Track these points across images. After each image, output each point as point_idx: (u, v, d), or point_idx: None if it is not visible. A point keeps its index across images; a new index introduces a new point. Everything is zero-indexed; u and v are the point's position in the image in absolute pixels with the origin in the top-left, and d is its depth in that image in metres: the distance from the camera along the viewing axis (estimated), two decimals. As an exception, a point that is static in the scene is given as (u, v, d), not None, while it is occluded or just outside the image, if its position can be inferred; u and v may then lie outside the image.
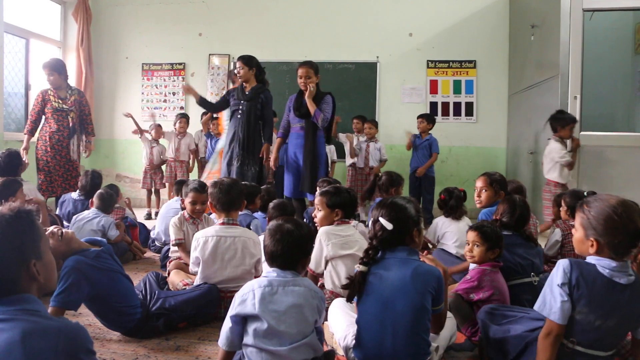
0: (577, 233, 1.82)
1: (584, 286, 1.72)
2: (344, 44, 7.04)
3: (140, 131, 6.32)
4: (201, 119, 6.58)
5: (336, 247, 2.61)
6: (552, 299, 1.75)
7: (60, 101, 4.99)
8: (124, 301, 2.31)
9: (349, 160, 6.29)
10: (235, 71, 4.76)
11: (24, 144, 4.83)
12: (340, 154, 6.56)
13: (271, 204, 3.52)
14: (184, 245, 3.31)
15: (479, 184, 3.42)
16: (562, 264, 1.77)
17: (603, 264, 1.74)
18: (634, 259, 3.52)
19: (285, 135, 4.70)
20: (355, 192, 2.96)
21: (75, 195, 4.46)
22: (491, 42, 6.82)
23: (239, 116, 4.68)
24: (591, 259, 1.77)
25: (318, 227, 2.80)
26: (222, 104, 4.94)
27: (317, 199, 2.81)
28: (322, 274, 2.69)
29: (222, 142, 5.04)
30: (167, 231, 3.80)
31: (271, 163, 4.65)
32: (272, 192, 4.25)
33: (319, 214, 2.79)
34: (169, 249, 3.48)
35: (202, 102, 4.92)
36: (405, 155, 6.38)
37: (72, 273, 2.11)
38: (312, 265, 2.67)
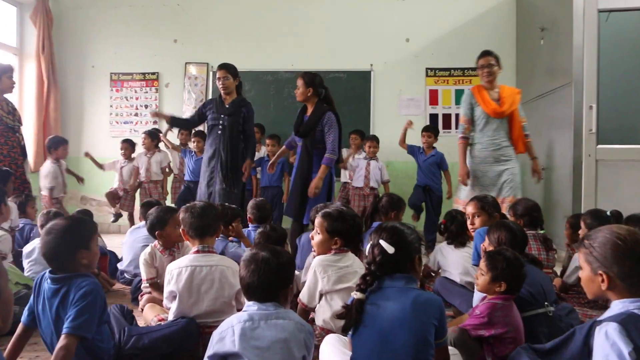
0: (584, 272, 1.82)
1: None
2: (334, 51, 7.11)
3: (100, 167, 6.49)
4: (175, 134, 6.61)
5: (333, 280, 2.57)
6: None
7: (10, 116, 4.99)
8: (99, 339, 2.25)
9: (343, 177, 6.36)
10: (218, 83, 4.78)
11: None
12: (335, 172, 6.55)
13: (258, 231, 3.49)
14: (157, 285, 3.27)
15: (470, 209, 3.45)
16: (612, 331, 1.63)
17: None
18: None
19: (290, 146, 4.80)
20: (360, 220, 2.88)
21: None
22: (496, 47, 6.80)
23: (219, 132, 4.72)
24: (620, 305, 1.72)
25: (314, 250, 2.79)
26: (198, 118, 4.97)
27: (318, 220, 2.75)
28: (315, 308, 2.66)
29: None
30: (136, 261, 3.76)
31: (245, 176, 4.76)
32: (262, 206, 4.18)
33: (316, 237, 2.74)
34: (140, 281, 3.45)
35: (173, 122, 5.02)
36: (404, 173, 6.40)
37: (98, 297, 2.16)
38: (304, 299, 2.64)
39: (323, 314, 2.58)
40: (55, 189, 5.89)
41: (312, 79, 4.40)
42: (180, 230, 2.85)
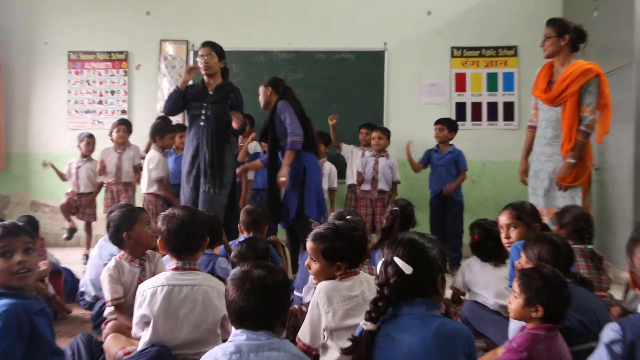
0: None
1: None
2: (340, 27, 7.14)
3: (62, 178, 6.41)
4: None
5: (340, 314, 2.42)
6: None
7: None
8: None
9: (349, 180, 6.37)
10: (200, 62, 4.81)
11: None
12: (341, 174, 6.63)
13: (233, 252, 3.48)
14: (123, 305, 3.24)
15: (504, 219, 3.41)
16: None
17: None
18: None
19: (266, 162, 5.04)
20: (363, 229, 2.79)
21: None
22: (538, 21, 6.78)
23: (202, 124, 4.76)
24: None
25: (314, 282, 2.67)
26: (182, 101, 4.99)
27: (309, 245, 2.62)
28: (319, 349, 2.51)
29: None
30: (98, 281, 3.77)
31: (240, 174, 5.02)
32: (258, 213, 4.21)
33: (313, 266, 2.61)
34: (104, 304, 3.43)
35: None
36: (416, 177, 6.38)
37: (11, 319, 2.04)
38: (304, 338, 2.49)
39: (329, 357, 2.44)
40: None
41: (271, 80, 4.88)
42: (157, 242, 2.83)
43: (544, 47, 4.51)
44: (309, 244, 2.61)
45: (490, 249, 3.55)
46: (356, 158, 6.45)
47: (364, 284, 2.53)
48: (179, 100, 4.94)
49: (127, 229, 3.31)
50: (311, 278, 3.03)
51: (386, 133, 6.23)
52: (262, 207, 4.32)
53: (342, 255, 2.54)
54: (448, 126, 6.05)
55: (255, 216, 4.14)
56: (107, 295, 3.26)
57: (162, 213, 2.89)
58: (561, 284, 2.35)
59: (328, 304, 2.43)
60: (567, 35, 4.43)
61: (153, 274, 3.16)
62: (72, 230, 6.35)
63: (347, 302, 2.44)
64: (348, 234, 2.58)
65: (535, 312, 2.33)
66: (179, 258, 2.73)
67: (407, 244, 1.91)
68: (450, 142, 6.06)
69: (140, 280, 3.13)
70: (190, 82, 4.99)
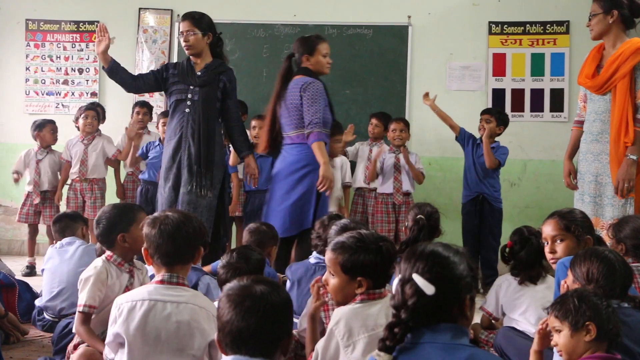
0: None
1: None
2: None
3: (17, 178, 6.44)
4: (133, 114, 6.68)
5: (362, 347, 2.39)
6: None
7: None
8: None
9: (359, 182, 6.42)
10: (181, 40, 4.83)
11: None
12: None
13: (221, 263, 3.47)
14: (99, 317, 3.20)
15: (549, 230, 3.35)
16: None
17: None
18: None
19: None
20: (391, 243, 2.73)
21: None
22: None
23: (186, 110, 4.77)
24: None
25: (332, 303, 2.70)
26: (149, 81, 5.00)
27: (328, 256, 2.63)
28: None
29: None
30: (64, 293, 3.81)
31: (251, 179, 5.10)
32: (264, 233, 4.20)
33: (331, 281, 2.62)
34: (69, 324, 3.44)
35: (112, 69, 4.93)
36: (444, 177, 6.38)
37: None
38: None
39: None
40: None
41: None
42: (143, 250, 2.79)
43: (590, 27, 4.48)
44: (328, 254, 2.62)
45: (522, 261, 3.55)
46: (363, 155, 6.47)
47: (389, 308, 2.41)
48: (124, 74, 5.00)
49: (122, 230, 3.30)
50: (309, 301, 3.02)
51: (405, 124, 6.28)
52: (268, 225, 4.28)
53: (365, 270, 2.53)
54: (497, 118, 6.00)
55: (261, 236, 4.12)
56: (82, 298, 3.17)
57: (148, 216, 2.88)
58: (608, 308, 2.35)
59: (348, 336, 2.41)
60: (614, 11, 4.34)
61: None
62: (31, 267, 6.26)
63: (372, 332, 2.40)
64: (374, 245, 2.56)
65: (588, 334, 2.32)
66: (169, 268, 2.71)
67: (428, 257, 1.86)
68: (496, 139, 6.03)
69: (128, 289, 3.15)
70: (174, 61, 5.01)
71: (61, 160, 6.51)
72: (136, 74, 5.43)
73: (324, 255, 3.55)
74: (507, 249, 3.62)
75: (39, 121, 6.48)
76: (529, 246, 3.55)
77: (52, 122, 6.50)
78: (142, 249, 2.79)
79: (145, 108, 6.63)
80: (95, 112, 6.48)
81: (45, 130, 6.43)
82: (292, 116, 4.75)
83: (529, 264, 3.53)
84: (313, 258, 3.83)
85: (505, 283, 3.64)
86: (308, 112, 4.66)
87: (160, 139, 6.30)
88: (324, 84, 4.84)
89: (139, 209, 3.48)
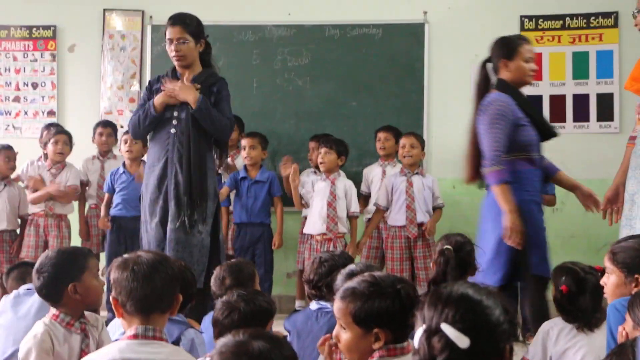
0: None
1: None
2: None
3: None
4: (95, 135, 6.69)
5: None
6: None
7: None
8: None
9: (373, 210, 6.39)
10: (169, 50, 4.83)
11: None
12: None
13: (220, 301, 3.48)
14: None
15: (607, 265, 3.31)
16: None
17: None
18: None
19: None
20: (410, 283, 2.73)
21: None
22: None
23: (172, 130, 4.78)
24: None
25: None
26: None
27: (337, 306, 2.58)
28: None
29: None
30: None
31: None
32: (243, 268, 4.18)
33: (343, 336, 2.55)
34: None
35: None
36: (472, 203, 6.38)
37: None
38: None
39: None
40: None
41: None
42: (111, 298, 2.82)
43: (636, 25, 4.51)
44: (337, 304, 2.54)
45: (583, 309, 3.48)
46: (376, 178, 6.48)
47: None
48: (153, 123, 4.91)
49: (73, 279, 3.23)
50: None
51: (419, 139, 6.27)
52: (249, 264, 4.18)
53: (382, 319, 2.46)
54: None
55: (244, 275, 3.99)
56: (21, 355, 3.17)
57: (116, 259, 2.86)
58: None
59: None
60: None
61: (98, 346, 3.15)
62: None
63: None
64: (391, 289, 2.50)
65: None
66: (144, 318, 2.70)
67: (458, 303, 1.82)
68: None
69: (84, 353, 3.11)
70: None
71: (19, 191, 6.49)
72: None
73: (325, 301, 3.59)
74: (562, 296, 3.53)
75: None
76: (589, 289, 3.48)
77: (8, 148, 6.39)
78: (111, 297, 2.73)
79: (109, 128, 6.63)
80: (68, 137, 6.46)
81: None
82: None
83: (590, 311, 3.47)
84: (314, 304, 3.79)
85: (555, 329, 3.58)
86: (483, 144, 4.52)
87: (124, 164, 6.33)
88: (521, 95, 4.64)
89: (89, 254, 3.45)
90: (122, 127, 6.83)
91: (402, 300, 2.46)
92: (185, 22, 4.77)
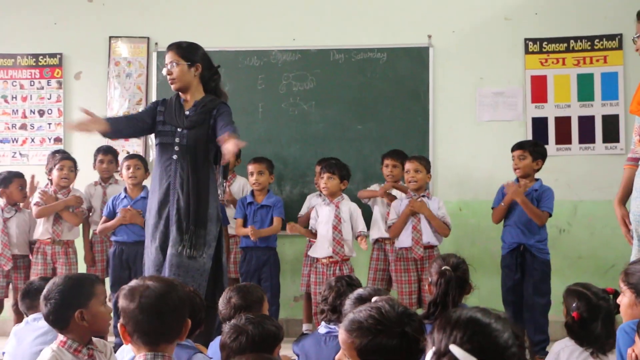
0: None
1: None
2: (366, 15, 7.24)
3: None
4: (96, 162, 6.72)
5: None
6: None
7: None
8: None
9: (376, 233, 6.40)
10: (164, 72, 4.88)
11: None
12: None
13: (229, 324, 3.47)
14: None
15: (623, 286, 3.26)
16: None
17: None
18: None
19: None
20: (419, 319, 2.61)
21: None
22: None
23: (174, 156, 4.78)
24: None
25: None
26: (149, 121, 4.99)
27: (342, 337, 2.52)
28: None
29: None
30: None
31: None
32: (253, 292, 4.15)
33: None
34: None
35: (114, 128, 4.92)
36: (478, 225, 6.35)
37: None
38: None
39: None
40: None
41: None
42: (119, 326, 2.81)
43: (637, 50, 4.49)
44: (343, 335, 2.47)
45: (597, 335, 3.43)
46: (381, 203, 6.49)
47: None
48: (137, 124, 5.01)
49: (80, 306, 3.23)
50: None
51: (424, 163, 6.17)
52: (258, 288, 4.09)
53: (388, 356, 2.43)
54: (531, 152, 5.95)
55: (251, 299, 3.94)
56: None
57: (124, 286, 2.86)
58: None
59: None
60: None
61: (106, 372, 3.16)
62: None
63: None
64: (397, 328, 2.43)
65: None
66: (152, 347, 2.71)
67: (467, 325, 1.83)
68: (536, 177, 6.00)
69: None
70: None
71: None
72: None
73: (333, 324, 3.59)
74: (573, 322, 3.49)
75: (4, 174, 6.46)
76: (603, 315, 3.46)
77: (20, 176, 6.49)
78: (119, 324, 2.70)
79: (109, 155, 6.66)
80: (73, 162, 6.49)
81: (12, 186, 6.41)
82: None
83: (603, 336, 3.42)
84: (323, 327, 3.79)
85: (566, 351, 3.54)
86: None
87: (125, 189, 6.34)
88: None
89: (96, 280, 3.46)
90: (127, 153, 6.86)
91: (410, 340, 2.41)
92: (179, 47, 4.82)
